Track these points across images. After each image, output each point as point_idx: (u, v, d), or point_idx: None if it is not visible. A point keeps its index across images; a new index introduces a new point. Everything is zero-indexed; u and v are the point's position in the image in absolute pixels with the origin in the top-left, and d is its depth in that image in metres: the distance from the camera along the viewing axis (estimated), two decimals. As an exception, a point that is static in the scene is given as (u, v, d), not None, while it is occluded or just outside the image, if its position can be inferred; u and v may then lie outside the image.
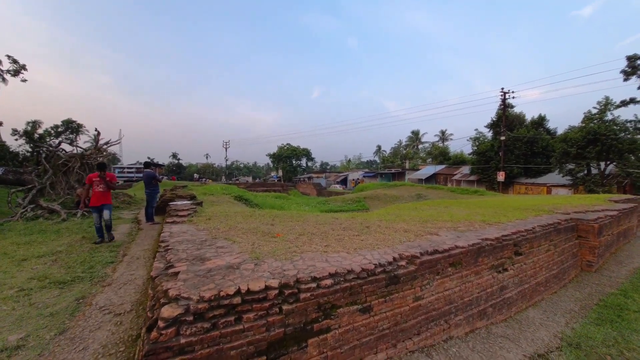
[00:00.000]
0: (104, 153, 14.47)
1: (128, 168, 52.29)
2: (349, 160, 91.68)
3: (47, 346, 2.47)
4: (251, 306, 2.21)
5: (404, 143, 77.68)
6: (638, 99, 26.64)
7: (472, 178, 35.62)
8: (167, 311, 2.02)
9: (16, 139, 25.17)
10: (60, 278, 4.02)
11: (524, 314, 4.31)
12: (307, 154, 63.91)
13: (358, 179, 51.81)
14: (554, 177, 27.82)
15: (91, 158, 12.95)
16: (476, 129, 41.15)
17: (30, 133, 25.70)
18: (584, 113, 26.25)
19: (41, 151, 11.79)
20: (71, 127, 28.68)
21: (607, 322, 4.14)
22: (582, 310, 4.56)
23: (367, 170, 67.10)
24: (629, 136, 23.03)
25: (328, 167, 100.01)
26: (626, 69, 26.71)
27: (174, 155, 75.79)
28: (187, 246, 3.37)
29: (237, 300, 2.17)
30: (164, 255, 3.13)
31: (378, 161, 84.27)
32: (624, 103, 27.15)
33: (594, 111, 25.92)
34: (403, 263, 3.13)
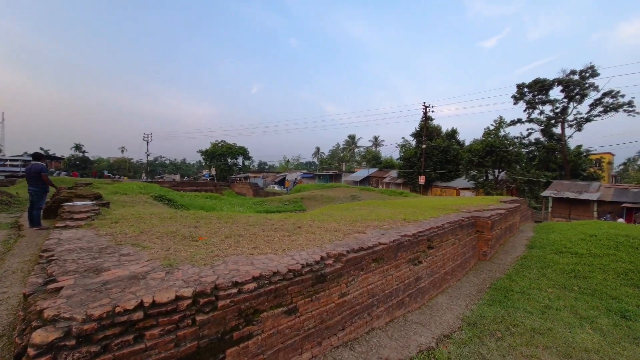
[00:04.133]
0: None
1: (12, 161, 41.44)
2: (288, 161, 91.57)
3: None
4: (157, 321, 1.92)
5: (341, 146, 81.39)
6: (523, 120, 33.44)
7: (399, 181, 39.30)
8: (40, 336, 1.62)
9: None
10: None
11: (434, 301, 4.86)
12: (244, 152, 61.26)
13: (296, 179, 52.07)
14: (461, 182, 32.67)
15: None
16: (403, 137, 45.73)
17: None
18: (484, 128, 31.63)
19: None
20: None
21: (497, 303, 4.96)
22: (478, 294, 5.37)
23: (305, 171, 67.98)
24: (515, 149, 28.56)
25: (266, 167, 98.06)
26: (515, 94, 33.29)
27: (78, 147, 63.95)
28: (80, 255, 2.80)
29: (138, 315, 1.86)
30: (45, 268, 2.54)
31: (317, 163, 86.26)
32: (513, 122, 33.76)
33: (491, 127, 31.42)
34: (330, 262, 3.18)
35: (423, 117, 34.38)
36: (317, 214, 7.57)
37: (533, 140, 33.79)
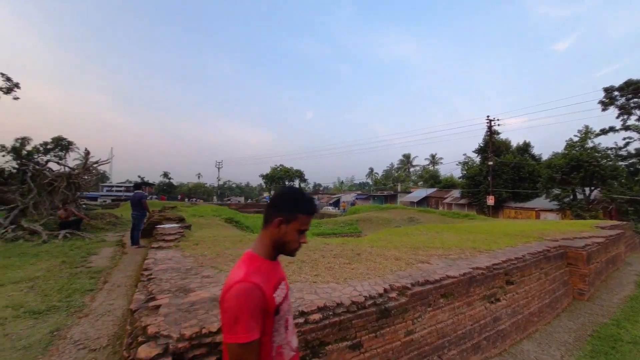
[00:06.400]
0: (93, 172, 14.23)
1: (117, 187, 50.85)
2: (342, 182, 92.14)
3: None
4: (235, 344, 2.10)
5: (395, 166, 78.98)
6: (617, 128, 28.16)
7: (462, 202, 36.02)
8: (144, 351, 1.90)
9: (3, 155, 24.61)
10: (35, 307, 3.79)
11: (518, 347, 4.21)
12: (300, 175, 63.89)
13: (353, 201, 51.83)
14: (541, 202, 28.36)
15: (79, 177, 12.73)
16: (464, 154, 42.21)
17: (18, 150, 25.20)
18: (566, 140, 27.37)
19: (27, 170, 11.49)
20: (61, 145, 28.27)
21: (602, 355, 4.06)
22: (576, 342, 4.48)
23: (359, 192, 67.34)
24: (610, 163, 23.94)
25: (321, 188, 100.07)
26: (604, 99, 28.44)
27: (165, 175, 75.16)
28: (172, 275, 3.24)
29: (220, 338, 2.06)
30: (146, 286, 3.00)
31: (370, 183, 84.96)
32: (604, 131, 28.58)
33: (575, 139, 27.05)
34: (394, 295, 3.06)
35: (487, 131, 31.58)
36: (375, 239, 7.38)
37: (633, 152, 27.87)
